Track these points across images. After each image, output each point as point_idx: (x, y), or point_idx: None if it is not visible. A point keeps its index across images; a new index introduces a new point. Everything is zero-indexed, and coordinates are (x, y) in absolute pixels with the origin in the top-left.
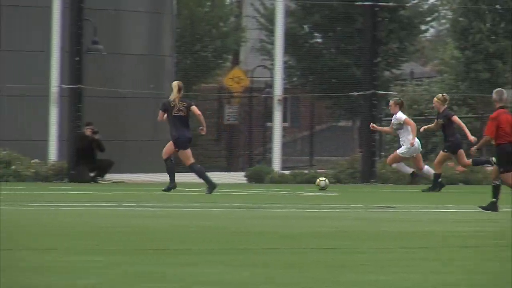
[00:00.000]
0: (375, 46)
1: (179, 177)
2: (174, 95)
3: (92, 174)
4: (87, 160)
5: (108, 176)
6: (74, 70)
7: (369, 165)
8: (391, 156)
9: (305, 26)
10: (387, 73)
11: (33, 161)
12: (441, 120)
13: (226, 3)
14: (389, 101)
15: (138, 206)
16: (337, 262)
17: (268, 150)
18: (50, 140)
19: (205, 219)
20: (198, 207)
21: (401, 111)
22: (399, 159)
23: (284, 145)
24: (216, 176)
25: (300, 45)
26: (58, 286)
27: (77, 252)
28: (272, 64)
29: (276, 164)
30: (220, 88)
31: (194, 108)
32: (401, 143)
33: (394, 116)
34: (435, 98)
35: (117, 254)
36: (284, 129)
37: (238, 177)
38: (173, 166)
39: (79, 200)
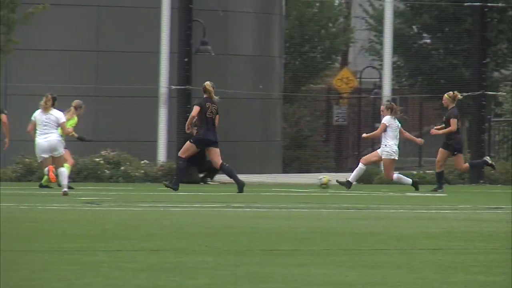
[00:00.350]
0: (484, 46)
1: (282, 178)
2: (213, 96)
3: (201, 175)
4: (196, 161)
5: (217, 177)
6: (183, 71)
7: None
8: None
9: (414, 27)
10: (496, 74)
11: (142, 162)
12: (444, 117)
13: (335, 4)
14: (499, 102)
15: (246, 207)
16: (446, 263)
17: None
18: (159, 141)
19: (313, 220)
20: (306, 207)
21: (392, 115)
22: (391, 164)
23: None
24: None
25: (409, 46)
26: (166, 286)
27: (186, 253)
28: (380, 65)
29: None
30: (329, 88)
31: (217, 117)
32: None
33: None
34: (445, 95)
35: (226, 254)
36: None
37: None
38: (230, 168)
39: (188, 200)
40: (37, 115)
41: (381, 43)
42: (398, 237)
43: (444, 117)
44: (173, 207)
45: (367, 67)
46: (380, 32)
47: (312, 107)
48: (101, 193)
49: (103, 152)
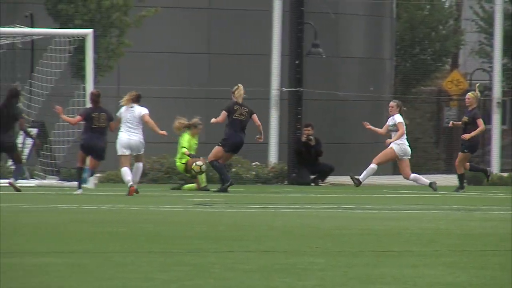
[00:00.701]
0: None
1: (393, 180)
2: (240, 99)
3: (312, 177)
4: (308, 162)
5: (328, 179)
6: (294, 73)
7: None
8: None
9: None
10: None
11: (253, 163)
12: (467, 118)
13: (445, 6)
14: None
15: (357, 208)
16: None
17: (487, 153)
18: (271, 143)
19: (424, 221)
20: (417, 209)
21: (400, 113)
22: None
23: (503, 148)
24: (435, 179)
25: None
26: (278, 287)
27: (297, 254)
28: (491, 67)
29: (495, 166)
30: (439, 91)
31: (255, 116)
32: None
33: (392, 117)
34: (470, 93)
35: (337, 256)
36: (503, 131)
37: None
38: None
39: (299, 202)
40: (122, 111)
41: (491, 45)
42: (509, 239)
43: (467, 117)
44: (284, 209)
45: (478, 69)
46: (490, 34)
47: (422, 109)
48: (213, 195)
49: None
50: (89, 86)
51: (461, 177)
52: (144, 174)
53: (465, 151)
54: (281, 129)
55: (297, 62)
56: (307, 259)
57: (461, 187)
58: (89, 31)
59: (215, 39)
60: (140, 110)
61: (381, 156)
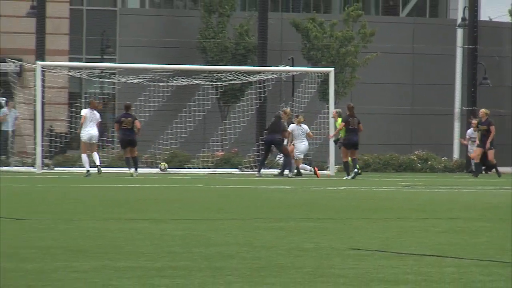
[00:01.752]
0: None
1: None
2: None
3: (484, 167)
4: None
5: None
6: (470, 97)
7: None
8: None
9: None
10: None
11: (443, 158)
12: (484, 126)
13: None
14: None
15: None
16: None
17: None
18: (454, 145)
19: None
20: None
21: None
22: None
23: None
24: None
25: None
26: (454, 243)
27: (471, 220)
28: None
29: None
30: None
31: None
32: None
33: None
34: (483, 110)
35: (501, 222)
36: None
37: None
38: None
39: (478, 184)
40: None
41: None
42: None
43: (485, 126)
44: (464, 189)
45: None
46: None
47: None
48: (415, 179)
49: (416, 152)
50: (331, 107)
51: (478, 165)
52: (367, 165)
53: (492, 148)
54: (462, 134)
55: (472, 89)
56: (477, 224)
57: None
58: (331, 69)
59: (418, 74)
60: (305, 127)
61: None
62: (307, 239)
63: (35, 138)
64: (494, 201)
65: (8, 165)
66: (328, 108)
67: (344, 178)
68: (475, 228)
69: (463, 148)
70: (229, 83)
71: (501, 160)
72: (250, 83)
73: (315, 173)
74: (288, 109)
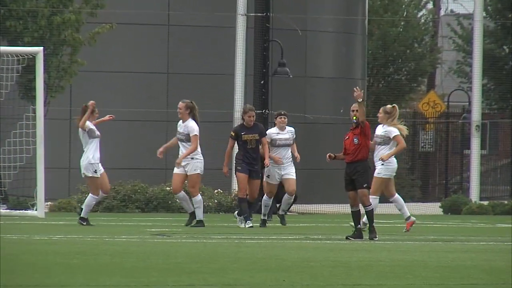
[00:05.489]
0: None
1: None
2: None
3: (278, 205)
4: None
5: (294, 207)
6: (260, 94)
7: None
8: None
9: (505, 47)
10: None
11: (216, 191)
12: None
13: (421, 23)
14: None
15: (326, 239)
16: None
17: (465, 179)
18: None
19: (397, 253)
20: (390, 240)
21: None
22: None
23: (482, 174)
24: (410, 207)
25: (500, 67)
26: None
27: (262, 287)
28: (469, 88)
29: (474, 194)
30: (414, 113)
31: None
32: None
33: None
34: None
35: None
36: (482, 157)
37: (434, 208)
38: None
39: (264, 232)
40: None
41: (470, 65)
42: (488, 270)
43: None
44: (248, 239)
45: (455, 89)
46: (468, 53)
47: None
48: (172, 224)
49: None
50: (39, 108)
51: None
52: (98, 202)
53: None
54: None
55: (262, 82)
56: None
57: None
58: (39, 48)
59: (175, 57)
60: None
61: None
62: None
63: None
64: None
65: None
66: (34, 110)
67: None
68: None
69: None
70: None
71: None
72: None
73: None
74: None
